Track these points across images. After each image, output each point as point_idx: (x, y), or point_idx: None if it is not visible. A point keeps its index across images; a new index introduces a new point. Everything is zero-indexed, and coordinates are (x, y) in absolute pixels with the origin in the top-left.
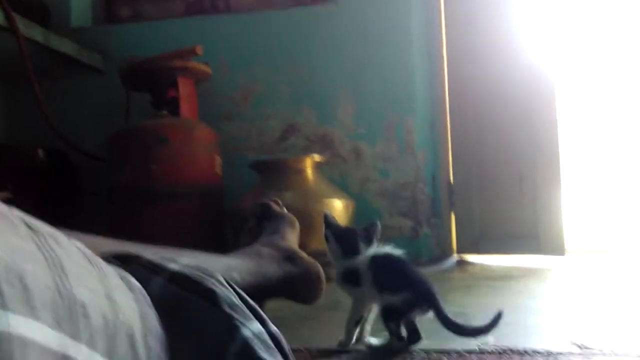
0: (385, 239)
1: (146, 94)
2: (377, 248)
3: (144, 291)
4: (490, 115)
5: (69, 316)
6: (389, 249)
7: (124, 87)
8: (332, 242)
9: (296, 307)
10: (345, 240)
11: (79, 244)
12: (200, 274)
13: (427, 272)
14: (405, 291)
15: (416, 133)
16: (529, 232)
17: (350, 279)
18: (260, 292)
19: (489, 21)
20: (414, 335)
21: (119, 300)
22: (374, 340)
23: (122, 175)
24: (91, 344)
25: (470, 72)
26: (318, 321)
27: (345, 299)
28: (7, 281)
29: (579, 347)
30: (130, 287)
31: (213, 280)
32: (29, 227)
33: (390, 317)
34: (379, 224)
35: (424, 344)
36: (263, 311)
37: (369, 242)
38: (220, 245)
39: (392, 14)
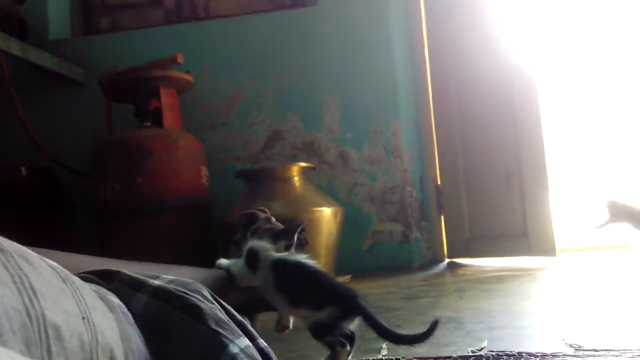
0: (378, 244)
1: (128, 105)
2: (287, 254)
3: (125, 309)
4: (474, 115)
5: (41, 340)
6: (300, 258)
7: (105, 99)
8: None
9: None
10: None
11: (53, 263)
12: (184, 290)
13: (419, 276)
14: (329, 306)
15: (402, 135)
16: (519, 233)
17: (250, 260)
18: (250, 305)
19: (470, 18)
20: (350, 339)
21: (98, 322)
22: None
23: (107, 189)
24: None
25: (452, 71)
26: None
27: None
28: None
29: (573, 347)
30: (111, 307)
31: (198, 296)
32: None
33: (323, 333)
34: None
35: (418, 351)
36: (255, 325)
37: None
38: (211, 257)
39: (372, 13)
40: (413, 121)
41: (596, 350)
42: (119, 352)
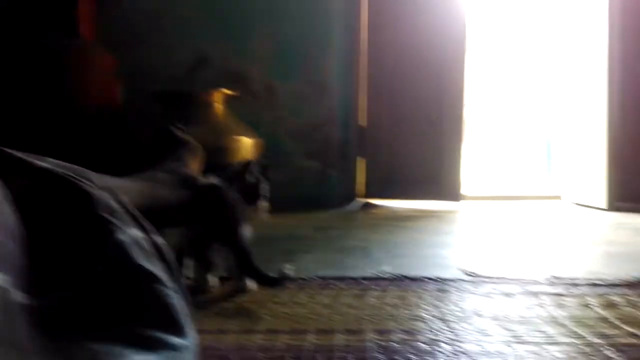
0: (295, 180)
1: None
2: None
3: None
4: (405, 64)
5: None
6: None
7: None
8: None
9: None
10: None
11: None
12: (74, 175)
13: (333, 213)
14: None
15: (332, 74)
16: (430, 178)
17: None
18: (153, 216)
19: None
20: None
21: None
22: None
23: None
24: None
25: (389, 20)
26: None
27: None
28: None
29: (468, 274)
30: None
31: (88, 182)
32: None
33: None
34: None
35: (323, 272)
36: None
37: None
38: (121, 173)
39: None
40: (344, 62)
41: (490, 278)
42: None
